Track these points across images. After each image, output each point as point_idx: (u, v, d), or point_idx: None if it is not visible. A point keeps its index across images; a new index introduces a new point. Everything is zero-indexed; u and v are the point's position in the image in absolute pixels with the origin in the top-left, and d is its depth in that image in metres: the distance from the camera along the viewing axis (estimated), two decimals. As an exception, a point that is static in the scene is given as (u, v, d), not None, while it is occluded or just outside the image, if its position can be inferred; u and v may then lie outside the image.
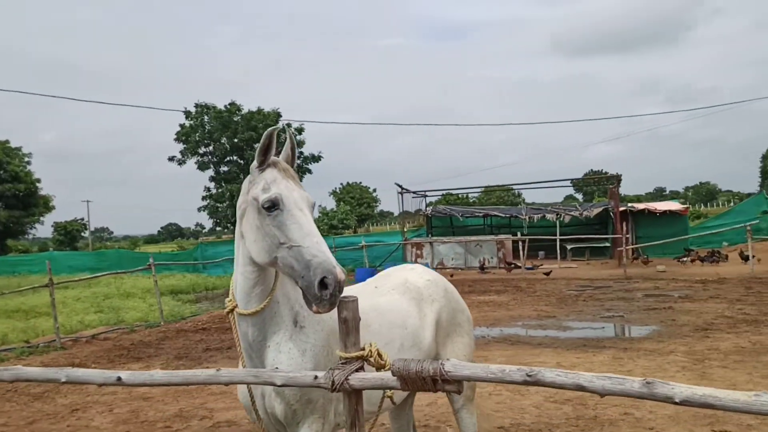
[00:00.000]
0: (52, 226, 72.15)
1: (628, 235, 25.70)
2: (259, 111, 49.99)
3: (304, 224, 2.96)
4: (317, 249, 2.86)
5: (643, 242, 27.95)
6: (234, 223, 51.41)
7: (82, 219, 76.90)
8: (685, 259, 26.17)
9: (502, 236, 30.72)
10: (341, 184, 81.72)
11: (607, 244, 31.17)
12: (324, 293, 2.78)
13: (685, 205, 34.82)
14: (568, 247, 30.85)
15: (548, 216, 32.71)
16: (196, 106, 49.33)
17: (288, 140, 3.26)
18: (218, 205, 50.51)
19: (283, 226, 2.96)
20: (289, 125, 50.46)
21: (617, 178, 29.50)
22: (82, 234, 77.30)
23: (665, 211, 30.93)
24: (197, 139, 49.58)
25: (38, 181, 55.46)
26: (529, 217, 33.19)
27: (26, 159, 55.66)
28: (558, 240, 29.00)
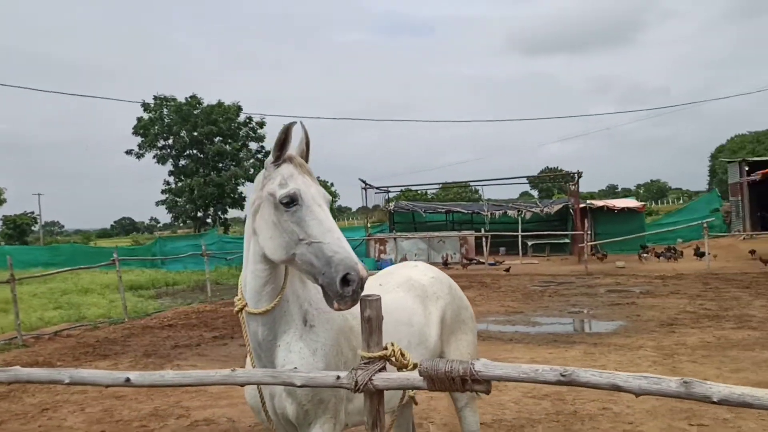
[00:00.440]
0: (1, 219, 69.89)
1: (589, 232, 26.14)
2: (220, 104, 49.15)
3: (324, 220, 2.91)
4: (338, 245, 2.82)
5: (601, 239, 28.48)
6: (194, 218, 50.99)
7: (33, 212, 74.57)
8: (645, 255, 26.78)
9: (465, 232, 30.98)
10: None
11: (567, 241, 31.71)
12: (346, 290, 2.74)
13: (642, 203, 35.58)
14: (529, 243, 31.25)
15: (509, 212, 33.09)
16: (155, 98, 48.32)
17: (303, 135, 3.21)
18: (177, 199, 49.58)
19: (302, 221, 2.90)
20: (250, 119, 49.94)
21: (578, 175, 29.96)
22: (32, 228, 75.03)
23: (623, 209, 31.59)
24: (156, 132, 48.56)
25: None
26: (490, 214, 33.52)
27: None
28: (520, 236, 29.34)
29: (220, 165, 50.42)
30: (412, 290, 4.10)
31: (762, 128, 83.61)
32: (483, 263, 27.45)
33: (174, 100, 48.59)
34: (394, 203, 37.46)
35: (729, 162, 38.48)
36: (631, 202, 33.68)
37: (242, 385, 2.99)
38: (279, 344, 3.19)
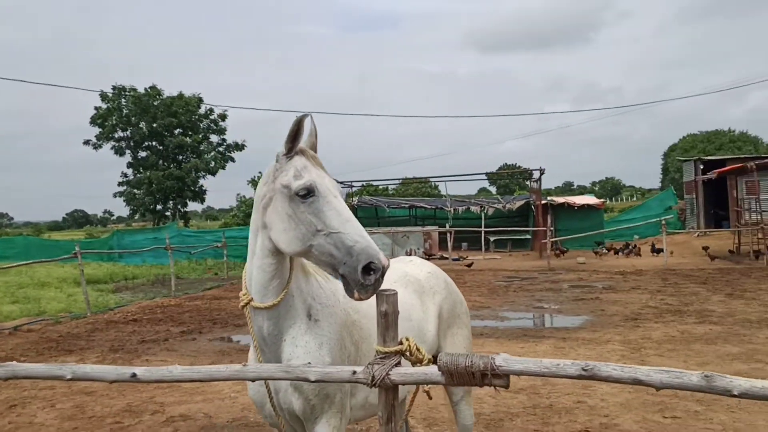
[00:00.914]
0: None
1: (552, 228, 26.56)
2: (180, 96, 48.33)
3: (342, 210, 2.92)
4: (359, 234, 2.83)
5: (562, 235, 28.97)
6: (153, 211, 50.00)
7: (-19, 205, 72.11)
8: (605, 251, 27.35)
9: (430, 227, 31.17)
10: (259, 172, 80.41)
11: (528, 237, 32.16)
12: (368, 279, 2.74)
13: (601, 200, 36.30)
14: (491, 238, 31.60)
15: (472, 208, 33.41)
16: (114, 88, 47.24)
17: (312, 128, 3.20)
18: (135, 191, 48.61)
19: (320, 212, 2.89)
20: (211, 110, 49.22)
21: (540, 172, 30.39)
22: (-20, 220, 72.63)
23: (583, 205, 32.20)
24: (114, 122, 47.48)
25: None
26: (453, 209, 33.77)
27: None
28: (483, 232, 29.63)
29: (181, 157, 49.62)
30: (409, 286, 4.11)
31: (712, 128, 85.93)
32: (446, 258, 27.65)
33: (134, 90, 47.58)
34: (357, 198, 37.43)
35: (684, 161, 39.50)
36: (590, 199, 34.34)
37: (253, 380, 2.96)
38: (285, 338, 3.18)
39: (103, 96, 46.99)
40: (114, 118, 47.67)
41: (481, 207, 32.95)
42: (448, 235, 28.49)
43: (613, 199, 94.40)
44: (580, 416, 6.80)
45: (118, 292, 21.41)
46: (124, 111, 48.08)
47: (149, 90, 48.38)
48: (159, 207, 49.81)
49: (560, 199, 33.76)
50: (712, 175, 27.50)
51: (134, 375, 2.98)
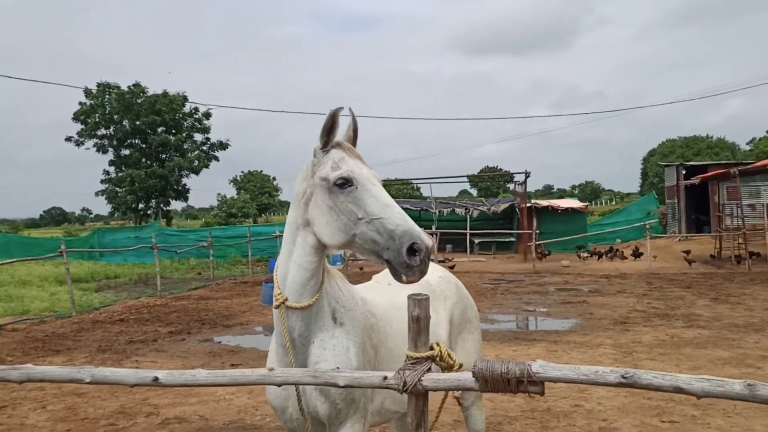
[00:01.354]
0: None
1: (537, 231, 26.70)
2: (165, 94, 47.82)
3: (381, 196, 2.91)
4: (400, 218, 2.81)
5: (545, 238, 29.11)
6: (134, 209, 49.43)
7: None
8: (586, 255, 27.54)
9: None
10: (242, 172, 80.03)
11: (512, 239, 32.28)
12: (414, 260, 2.72)
13: (585, 203, 36.57)
14: (476, 241, 31.68)
15: (457, 210, 33.48)
16: (98, 85, 46.58)
17: (350, 121, 3.19)
18: (117, 189, 48.03)
19: (359, 200, 2.89)
20: (196, 109, 48.79)
21: (526, 175, 30.52)
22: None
23: (567, 209, 32.38)
24: (97, 120, 46.86)
25: None
26: (439, 211, 33.81)
27: None
28: (468, 234, 29.70)
29: (164, 156, 49.15)
30: (421, 290, 4.07)
31: (691, 133, 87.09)
32: (432, 260, 27.63)
33: (117, 87, 47.00)
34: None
35: (666, 165, 39.90)
36: (574, 203, 34.56)
37: (280, 385, 2.91)
38: (313, 341, 3.15)
39: (87, 92, 46.41)
40: (97, 115, 47.08)
41: (466, 209, 33.05)
42: (434, 237, 28.50)
43: (593, 202, 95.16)
44: (578, 420, 6.82)
45: (101, 291, 21.17)
46: (108, 108, 47.48)
47: (133, 88, 47.81)
48: (141, 206, 49.29)
49: (544, 203, 33.93)
50: (696, 180, 27.81)
51: (156, 379, 2.92)
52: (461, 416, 4.84)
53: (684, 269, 22.51)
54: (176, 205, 56.25)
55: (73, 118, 47.19)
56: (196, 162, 48.99)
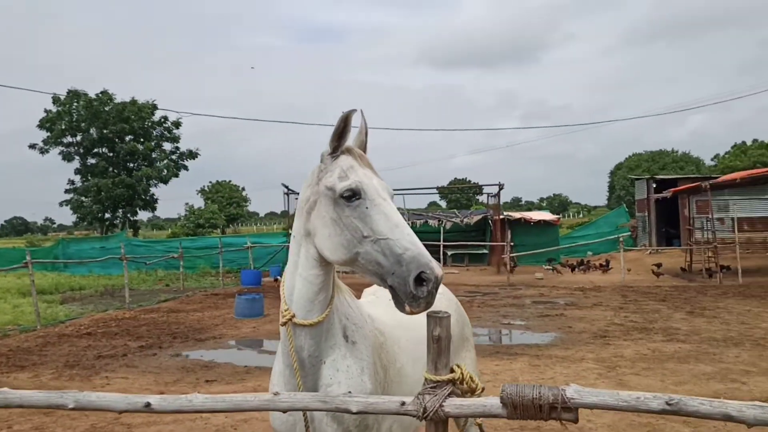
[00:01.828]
0: None
1: (512, 243, 26.68)
2: (134, 102, 47.03)
3: (391, 214, 2.63)
4: (409, 241, 2.53)
5: (518, 250, 29.15)
6: (100, 219, 48.41)
7: None
8: (552, 268, 27.72)
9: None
10: (210, 182, 79.06)
11: (485, 251, 32.26)
12: (420, 291, 2.44)
13: (557, 216, 36.76)
14: (449, 253, 31.59)
15: (430, 222, 33.34)
16: (69, 92, 45.50)
17: (362, 125, 2.94)
18: (83, 199, 46.94)
19: (366, 217, 2.62)
20: (165, 118, 48.03)
21: (499, 187, 30.53)
22: None
23: (539, 221, 32.49)
24: (63, 127, 45.82)
25: None
26: (411, 222, 33.63)
27: None
28: (441, 246, 29.58)
29: (132, 165, 48.24)
30: None
31: (656, 148, 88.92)
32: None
33: (85, 95, 46.06)
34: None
35: (636, 179, 40.37)
36: (546, 215, 34.69)
37: (286, 411, 2.67)
38: (324, 361, 2.90)
39: (55, 99, 45.39)
40: (64, 122, 46.06)
41: (439, 221, 32.95)
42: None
43: (561, 215, 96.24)
44: (569, 438, 6.64)
45: (66, 303, 20.53)
46: (75, 116, 46.49)
47: (100, 95, 46.87)
48: (107, 215, 48.24)
49: (517, 215, 34.01)
50: (668, 194, 28.12)
51: (148, 404, 2.65)
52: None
53: (656, 282, 22.67)
54: (143, 215, 55.31)
55: (39, 126, 46.09)
56: (165, 171, 48.18)
